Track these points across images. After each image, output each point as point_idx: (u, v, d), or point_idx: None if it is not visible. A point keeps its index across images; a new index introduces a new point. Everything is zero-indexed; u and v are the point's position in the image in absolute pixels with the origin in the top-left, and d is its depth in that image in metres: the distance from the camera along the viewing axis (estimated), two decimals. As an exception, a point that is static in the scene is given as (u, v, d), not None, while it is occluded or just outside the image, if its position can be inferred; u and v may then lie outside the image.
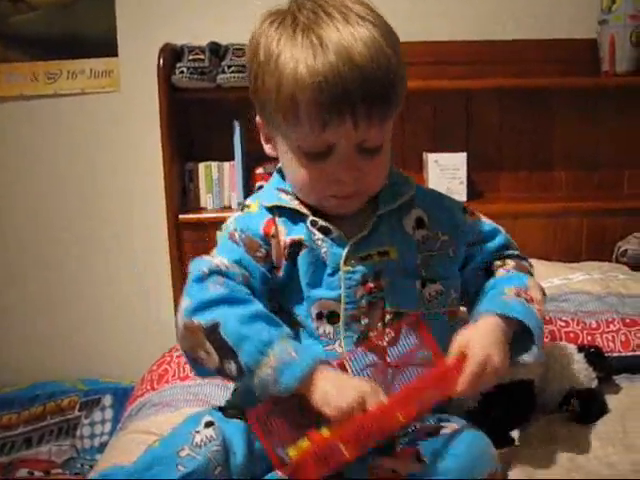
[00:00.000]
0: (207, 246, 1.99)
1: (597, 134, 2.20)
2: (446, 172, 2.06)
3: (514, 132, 2.19)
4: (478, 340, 0.95)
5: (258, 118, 1.02)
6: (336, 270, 1.04)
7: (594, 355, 1.39)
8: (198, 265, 0.98)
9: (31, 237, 2.31)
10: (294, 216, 1.05)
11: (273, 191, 1.06)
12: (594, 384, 1.34)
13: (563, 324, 1.57)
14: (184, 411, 1.27)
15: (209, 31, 2.09)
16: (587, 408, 1.29)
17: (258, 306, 0.95)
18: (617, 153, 2.22)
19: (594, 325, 1.58)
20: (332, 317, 1.03)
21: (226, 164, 2.05)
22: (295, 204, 1.05)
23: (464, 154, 2.07)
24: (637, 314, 1.62)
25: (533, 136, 2.20)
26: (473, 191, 2.12)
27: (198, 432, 0.98)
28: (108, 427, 2.00)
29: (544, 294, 1.13)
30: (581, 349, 1.41)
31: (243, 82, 1.92)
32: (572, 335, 1.54)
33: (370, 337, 1.03)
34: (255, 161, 2.04)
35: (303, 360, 0.90)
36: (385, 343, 1.03)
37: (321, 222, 1.04)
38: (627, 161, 2.22)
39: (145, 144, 2.15)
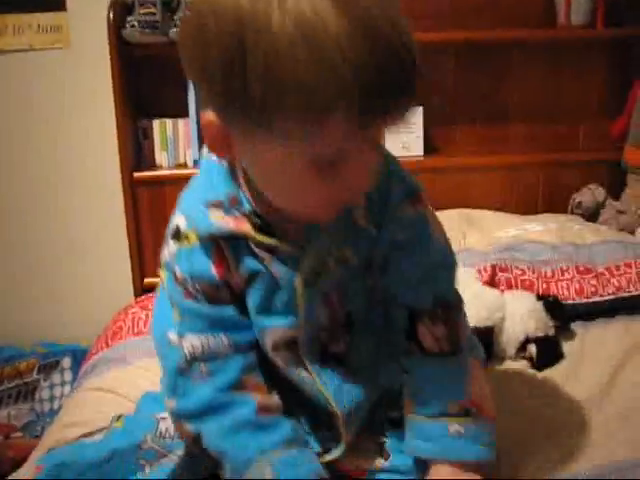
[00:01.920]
0: (163, 204, 2.00)
1: (553, 87, 2.21)
2: (402, 127, 2.03)
3: (470, 86, 2.18)
4: None
5: (211, 115, 0.71)
6: (292, 294, 0.88)
7: (552, 304, 1.43)
8: (171, 353, 0.87)
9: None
10: (237, 239, 0.85)
11: (200, 208, 0.83)
12: (551, 332, 1.37)
13: (519, 272, 1.59)
14: (138, 365, 1.27)
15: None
16: (543, 355, 1.32)
17: (243, 410, 0.85)
18: (573, 106, 2.23)
19: (549, 274, 1.60)
20: (290, 344, 0.90)
21: (180, 121, 2.01)
22: (231, 224, 0.83)
23: (420, 108, 2.05)
24: (591, 262, 1.65)
25: (489, 89, 2.20)
26: (430, 146, 2.11)
27: (164, 419, 0.95)
28: (67, 389, 1.98)
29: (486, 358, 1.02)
30: (540, 298, 1.44)
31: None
32: (528, 283, 1.57)
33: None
34: (211, 117, 2.01)
35: None
36: (342, 349, 0.93)
37: (267, 241, 0.84)
38: (582, 114, 2.24)
39: (97, 101, 2.10)
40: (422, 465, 0.91)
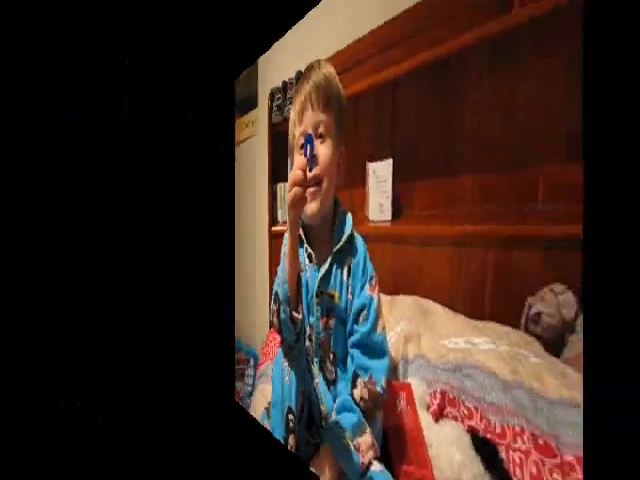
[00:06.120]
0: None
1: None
2: (380, 184, 1.63)
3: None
4: None
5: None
6: (312, 296, 1.18)
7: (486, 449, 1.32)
8: None
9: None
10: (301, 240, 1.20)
11: None
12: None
13: (466, 412, 1.42)
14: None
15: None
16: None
17: None
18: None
19: (498, 429, 1.35)
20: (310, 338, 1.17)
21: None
22: (300, 231, 1.23)
23: (390, 161, 1.59)
24: (552, 432, 1.26)
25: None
26: (397, 207, 1.62)
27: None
28: (251, 380, 2.40)
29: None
30: (474, 438, 1.37)
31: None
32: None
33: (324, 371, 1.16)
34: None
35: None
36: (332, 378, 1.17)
37: (309, 249, 1.20)
38: None
39: (259, 170, 2.39)
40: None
